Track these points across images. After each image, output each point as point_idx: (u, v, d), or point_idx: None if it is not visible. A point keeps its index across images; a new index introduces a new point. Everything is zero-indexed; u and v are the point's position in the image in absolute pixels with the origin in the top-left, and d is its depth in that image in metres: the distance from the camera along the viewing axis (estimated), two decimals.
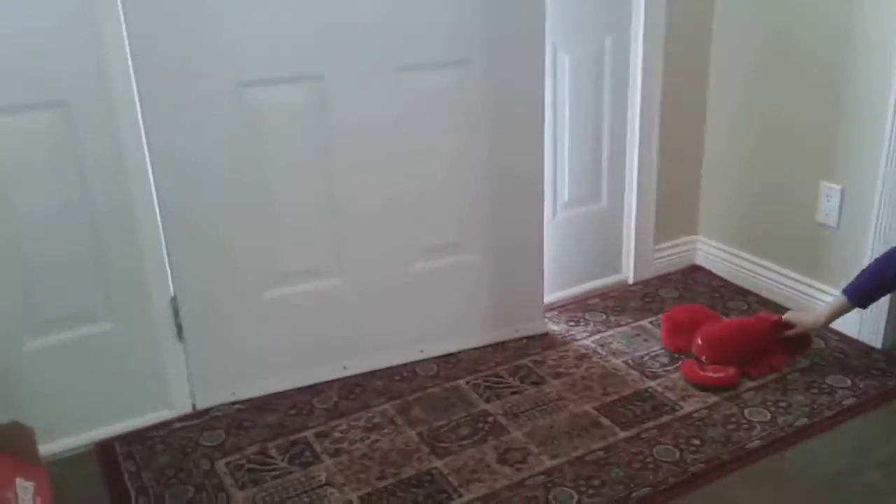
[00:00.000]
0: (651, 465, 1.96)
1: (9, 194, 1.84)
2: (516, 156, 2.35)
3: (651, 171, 2.75)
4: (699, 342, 2.33)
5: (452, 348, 2.45)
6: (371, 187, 2.21)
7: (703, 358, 2.31)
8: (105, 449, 2.05)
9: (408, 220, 2.29)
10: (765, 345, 2.32)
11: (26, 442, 1.40)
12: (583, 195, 2.71)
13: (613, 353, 2.45)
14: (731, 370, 2.25)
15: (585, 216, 2.74)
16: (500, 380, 2.32)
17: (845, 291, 2.19)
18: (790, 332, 2.31)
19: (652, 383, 2.29)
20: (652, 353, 2.44)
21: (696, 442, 2.04)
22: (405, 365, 2.39)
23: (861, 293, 2.17)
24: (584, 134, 2.63)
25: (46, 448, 1.82)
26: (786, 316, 2.33)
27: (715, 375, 2.25)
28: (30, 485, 1.31)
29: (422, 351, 2.42)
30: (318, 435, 2.10)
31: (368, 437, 2.09)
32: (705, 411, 2.16)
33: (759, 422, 2.10)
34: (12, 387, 1.92)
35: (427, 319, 2.41)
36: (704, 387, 2.24)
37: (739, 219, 2.82)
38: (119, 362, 2.06)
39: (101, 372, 2.04)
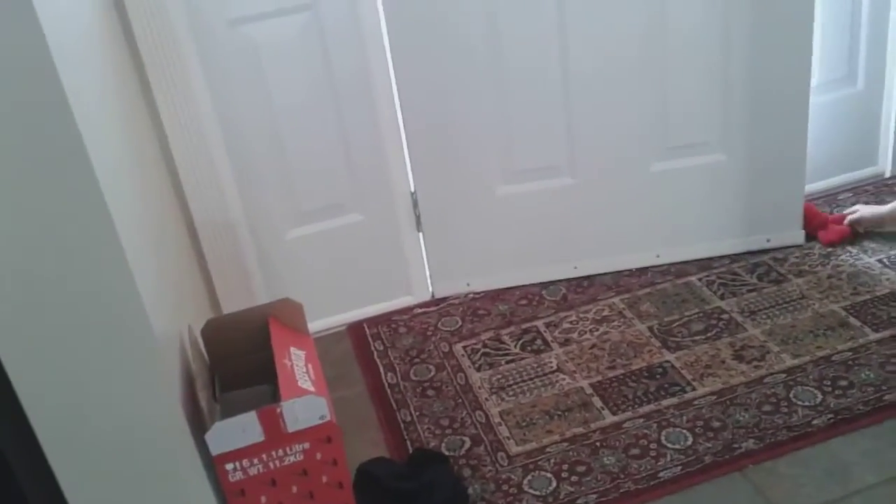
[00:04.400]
0: None
1: (271, 97, 2.01)
2: (779, 42, 2.08)
3: None
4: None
5: (692, 255, 2.31)
6: (609, 81, 2.11)
7: None
8: (356, 329, 2.25)
9: (649, 117, 2.16)
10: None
11: (297, 315, 1.57)
12: (836, 78, 2.46)
13: (865, 252, 2.26)
14: None
15: (838, 102, 2.49)
16: (735, 277, 2.24)
17: None
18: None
19: None
20: None
21: None
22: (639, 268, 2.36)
23: None
24: (840, 7, 2.36)
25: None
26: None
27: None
28: (302, 353, 1.48)
29: (658, 256, 2.33)
30: (548, 325, 2.16)
31: (598, 329, 2.11)
32: None
33: None
34: (279, 270, 2.16)
35: (665, 224, 2.29)
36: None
37: None
38: (366, 250, 2.23)
39: (350, 259, 2.23)
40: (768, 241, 2.33)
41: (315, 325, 2.13)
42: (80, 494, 1.17)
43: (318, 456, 1.34)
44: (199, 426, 1.31)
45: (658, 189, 2.26)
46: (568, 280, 2.33)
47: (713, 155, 2.23)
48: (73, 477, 1.16)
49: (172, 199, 1.96)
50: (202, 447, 1.27)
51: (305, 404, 1.30)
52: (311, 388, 1.37)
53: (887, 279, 2.13)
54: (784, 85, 2.15)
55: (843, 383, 1.81)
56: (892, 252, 2.24)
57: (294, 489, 1.35)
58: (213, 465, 1.29)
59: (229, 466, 1.29)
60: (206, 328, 1.55)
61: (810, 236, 2.35)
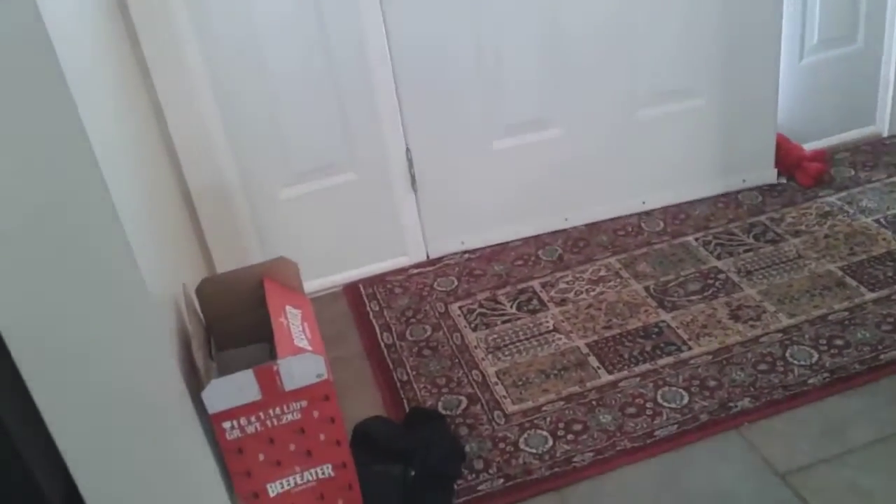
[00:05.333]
0: None
1: (264, 56, 1.97)
2: None
3: None
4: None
5: (675, 199, 2.39)
6: (593, 28, 2.14)
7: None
8: (352, 290, 2.24)
9: (632, 65, 2.20)
10: None
11: (292, 274, 1.55)
12: (835, 36, 2.44)
13: (863, 211, 2.25)
14: None
15: (837, 60, 2.47)
16: (731, 237, 2.23)
17: None
18: None
19: None
20: None
21: None
22: (628, 217, 2.36)
23: None
24: None
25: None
26: None
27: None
28: (298, 312, 1.47)
29: (644, 202, 2.38)
30: (544, 285, 2.15)
31: (594, 289, 2.11)
32: None
33: None
34: (274, 230, 2.15)
35: (650, 169, 2.35)
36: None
37: None
38: (360, 210, 2.21)
39: (345, 218, 2.21)
40: (744, 181, 2.41)
41: (310, 286, 2.12)
42: (77, 454, 1.17)
43: (316, 414, 1.33)
44: (195, 385, 1.31)
45: (642, 136, 2.30)
46: (564, 237, 2.32)
47: (692, 100, 2.29)
48: (70, 436, 1.15)
49: (166, 160, 1.93)
50: (199, 406, 1.26)
51: (302, 362, 1.29)
52: (308, 347, 1.36)
53: (884, 239, 2.13)
54: (755, 29, 2.22)
55: (839, 342, 1.82)
56: (889, 212, 2.23)
57: (292, 447, 1.34)
58: (210, 424, 1.28)
59: (226, 425, 1.29)
60: (202, 287, 1.54)
61: (788, 176, 2.42)
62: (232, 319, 1.55)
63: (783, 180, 2.43)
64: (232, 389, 1.27)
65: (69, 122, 1.00)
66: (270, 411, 1.30)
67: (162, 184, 1.76)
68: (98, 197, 1.05)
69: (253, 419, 1.30)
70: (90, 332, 1.11)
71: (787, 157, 2.40)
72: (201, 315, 1.56)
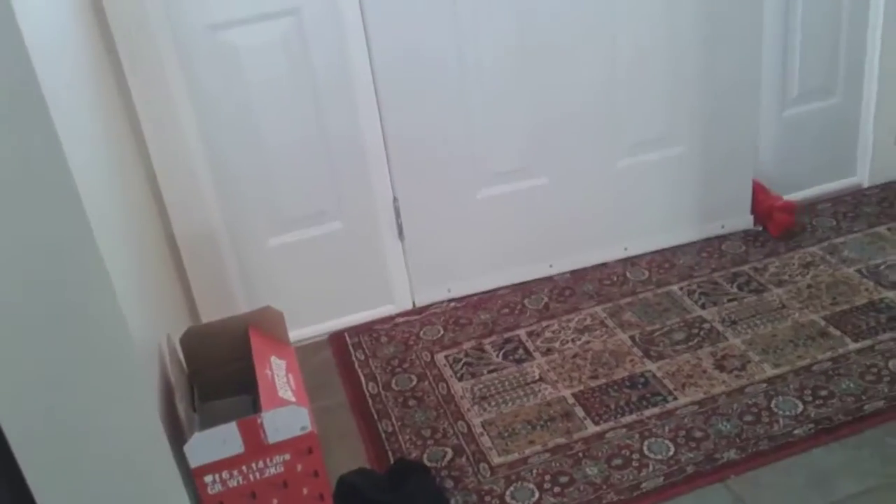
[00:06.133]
0: (886, 378, 1.84)
1: (252, 105, 1.99)
2: (730, 44, 2.24)
3: None
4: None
5: (656, 245, 2.42)
6: (578, 79, 2.18)
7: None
8: (337, 338, 2.23)
9: (615, 114, 2.25)
10: None
11: (277, 324, 1.55)
12: (815, 89, 2.49)
13: (844, 261, 2.28)
14: None
15: (817, 112, 2.52)
16: (716, 286, 2.25)
17: None
18: None
19: (889, 293, 2.11)
20: (889, 262, 2.24)
21: None
22: (613, 266, 2.38)
23: None
24: (820, 21, 2.39)
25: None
26: None
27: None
28: (282, 362, 1.46)
29: (626, 249, 2.41)
30: (530, 334, 2.15)
31: (580, 338, 2.11)
32: None
33: None
34: (260, 278, 2.14)
35: (632, 216, 2.39)
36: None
37: None
38: (347, 259, 2.21)
39: (332, 267, 2.21)
40: (722, 227, 2.46)
41: (296, 334, 2.11)
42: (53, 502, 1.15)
43: (299, 468, 1.32)
44: (177, 437, 1.29)
45: (625, 183, 2.34)
46: (551, 286, 2.33)
47: (673, 149, 2.34)
48: (47, 488, 1.14)
49: (152, 205, 1.94)
50: (181, 458, 1.25)
51: (286, 415, 1.28)
52: (293, 399, 1.35)
53: (865, 289, 2.15)
54: (735, 81, 2.29)
55: (824, 393, 1.82)
56: (871, 262, 2.26)
57: (274, 501, 1.33)
58: (191, 477, 1.27)
59: (208, 479, 1.27)
60: (186, 337, 1.53)
61: (762, 225, 2.47)
62: (216, 369, 1.54)
63: (759, 227, 2.46)
64: (215, 443, 1.25)
65: (56, 167, 1.01)
66: (253, 465, 1.29)
67: (148, 230, 1.76)
68: (84, 246, 1.05)
69: (235, 473, 1.28)
70: (70, 382, 1.10)
71: (759, 206, 2.45)
72: (185, 365, 1.55)
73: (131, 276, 1.31)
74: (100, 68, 1.69)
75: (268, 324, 1.54)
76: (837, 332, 2.00)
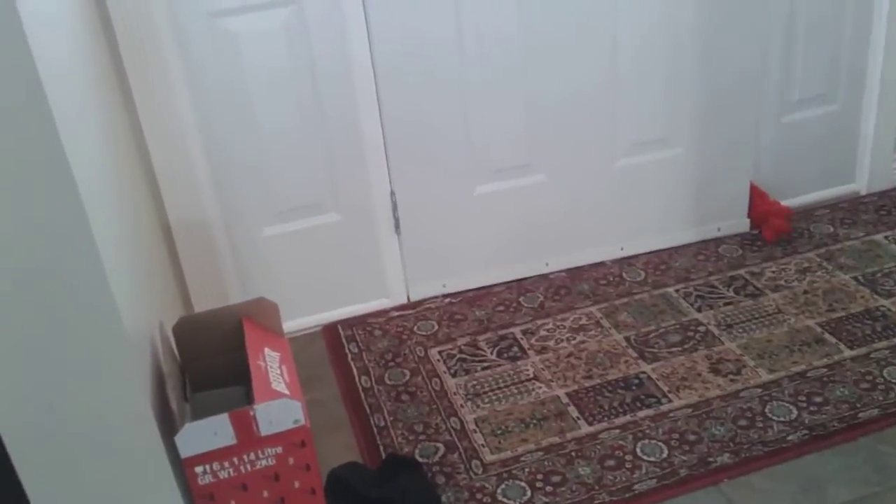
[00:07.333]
0: (881, 387, 1.83)
1: (251, 94, 1.97)
2: (732, 48, 2.23)
3: None
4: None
5: (652, 246, 2.42)
6: (578, 79, 2.17)
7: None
8: (330, 331, 2.22)
9: (614, 115, 2.24)
10: None
11: (271, 316, 1.53)
12: (816, 95, 2.48)
13: (841, 268, 2.28)
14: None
15: (817, 118, 2.52)
16: (712, 290, 2.24)
17: None
18: None
19: (885, 302, 2.11)
20: (885, 270, 2.24)
21: None
22: (609, 266, 2.37)
23: None
24: (822, 27, 2.39)
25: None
26: None
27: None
28: (276, 354, 1.44)
29: (622, 248, 2.40)
30: (525, 332, 2.14)
31: (574, 338, 2.10)
32: None
33: None
34: (255, 268, 2.13)
35: (629, 216, 2.38)
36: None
37: None
38: (342, 251, 2.20)
39: (327, 259, 2.19)
40: (719, 229, 2.45)
41: (289, 326, 2.08)
42: (44, 495, 1.13)
43: (291, 461, 1.30)
44: (169, 427, 1.28)
45: (622, 183, 2.33)
46: (546, 284, 2.32)
47: (671, 150, 2.33)
48: (36, 476, 1.12)
49: (147, 194, 1.92)
50: (171, 449, 1.23)
51: (280, 407, 1.27)
52: (286, 391, 1.33)
53: (862, 296, 2.15)
54: (735, 85, 2.28)
55: (818, 399, 1.82)
56: (867, 270, 2.25)
57: (265, 494, 1.31)
58: (182, 468, 1.25)
59: (199, 469, 1.25)
60: (179, 326, 1.51)
61: (757, 229, 2.47)
62: (209, 360, 1.52)
63: (756, 231, 2.46)
64: (206, 434, 1.24)
65: (52, 153, 0.99)
66: (245, 457, 1.27)
67: (142, 219, 1.74)
68: (78, 232, 1.03)
69: (226, 464, 1.27)
70: (61, 368, 1.08)
71: (756, 210, 2.44)
72: (177, 354, 1.53)
73: (124, 264, 1.29)
74: (97, 54, 1.67)
75: (262, 315, 1.52)
76: (833, 339, 2.00)
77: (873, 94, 2.50)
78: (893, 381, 1.85)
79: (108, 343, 1.10)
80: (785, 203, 2.50)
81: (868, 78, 2.50)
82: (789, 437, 1.73)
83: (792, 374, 1.90)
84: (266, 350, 1.45)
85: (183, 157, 1.95)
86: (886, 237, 2.40)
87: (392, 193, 2.18)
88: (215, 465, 1.26)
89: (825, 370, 1.90)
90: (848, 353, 1.95)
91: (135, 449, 1.17)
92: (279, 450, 1.29)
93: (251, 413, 1.25)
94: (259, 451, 1.28)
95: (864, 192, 2.63)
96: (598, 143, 2.27)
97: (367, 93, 2.05)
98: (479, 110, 2.14)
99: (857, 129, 2.57)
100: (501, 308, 2.25)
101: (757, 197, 2.44)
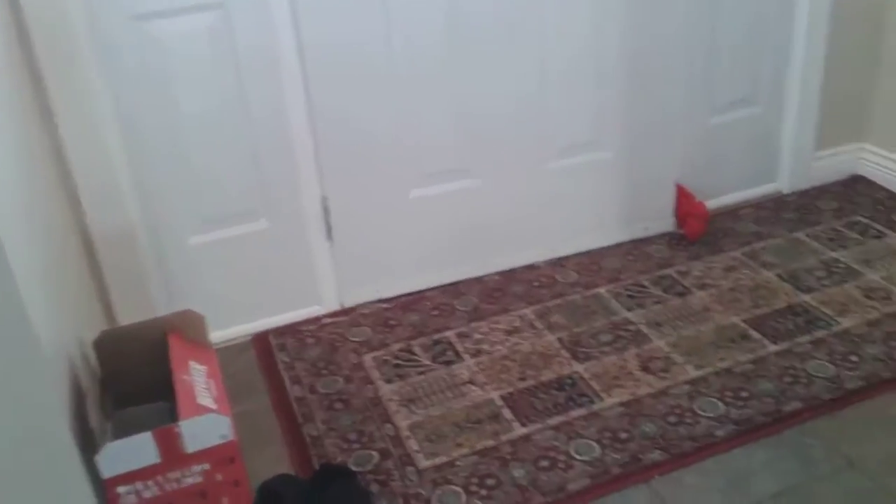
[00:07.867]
0: (804, 381, 1.89)
1: (176, 97, 1.92)
2: (657, 55, 2.28)
3: (817, 70, 2.54)
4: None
5: (583, 247, 2.46)
6: (508, 83, 2.18)
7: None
8: (261, 340, 2.18)
9: (545, 118, 2.26)
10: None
11: (198, 328, 1.50)
12: (737, 98, 2.55)
13: (765, 266, 2.34)
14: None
15: (741, 121, 2.58)
16: (642, 289, 2.28)
17: None
18: None
19: (806, 297, 2.18)
20: (807, 267, 2.31)
21: (854, 359, 1.94)
22: (542, 268, 2.39)
23: None
24: (744, 30, 2.45)
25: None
26: None
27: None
28: (203, 368, 1.41)
29: (554, 250, 2.43)
30: (459, 335, 2.14)
31: (508, 340, 2.11)
32: (865, 328, 2.04)
33: None
34: (181, 278, 2.07)
35: (559, 218, 2.41)
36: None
37: None
38: (273, 258, 2.16)
39: (257, 267, 2.15)
40: (646, 229, 2.51)
41: (217, 336, 2.05)
42: None
43: (219, 477, 1.27)
44: (89, 446, 1.23)
45: (553, 186, 2.36)
46: (480, 287, 2.32)
47: (600, 153, 2.38)
48: None
49: (65, 204, 1.84)
50: (92, 469, 1.19)
51: (206, 423, 1.24)
52: (213, 406, 1.30)
53: (785, 293, 2.21)
54: (661, 90, 2.34)
55: (744, 394, 1.86)
56: (791, 266, 2.32)
57: None
58: (104, 489, 1.21)
59: (122, 489, 1.22)
60: (100, 340, 1.46)
61: (682, 226, 2.54)
62: (132, 375, 1.48)
63: (681, 231, 2.51)
64: (129, 453, 1.20)
65: None
66: (170, 475, 1.24)
67: (59, 227, 1.68)
68: None
69: (150, 483, 1.23)
70: None
71: (680, 210, 2.51)
72: (99, 370, 1.48)
73: (36, 274, 1.24)
74: (11, 55, 1.60)
75: (188, 327, 1.49)
76: (757, 335, 2.05)
77: (793, 96, 2.58)
78: (816, 374, 1.91)
79: (20, 357, 1.05)
80: (711, 203, 2.56)
81: (788, 81, 2.57)
82: (717, 433, 1.76)
83: (719, 370, 1.94)
84: (192, 363, 1.41)
85: (104, 164, 1.88)
86: (807, 234, 2.48)
87: (324, 198, 2.15)
88: (139, 485, 1.22)
89: (750, 365, 1.95)
90: (772, 347, 2.00)
91: (52, 470, 1.13)
92: (206, 466, 1.26)
93: (176, 430, 1.21)
94: (185, 469, 1.25)
95: (786, 192, 2.71)
96: (530, 146, 2.29)
97: (296, 96, 2.01)
98: (411, 113, 2.13)
99: (779, 131, 2.65)
100: (436, 312, 2.24)
101: (682, 197, 2.50)
